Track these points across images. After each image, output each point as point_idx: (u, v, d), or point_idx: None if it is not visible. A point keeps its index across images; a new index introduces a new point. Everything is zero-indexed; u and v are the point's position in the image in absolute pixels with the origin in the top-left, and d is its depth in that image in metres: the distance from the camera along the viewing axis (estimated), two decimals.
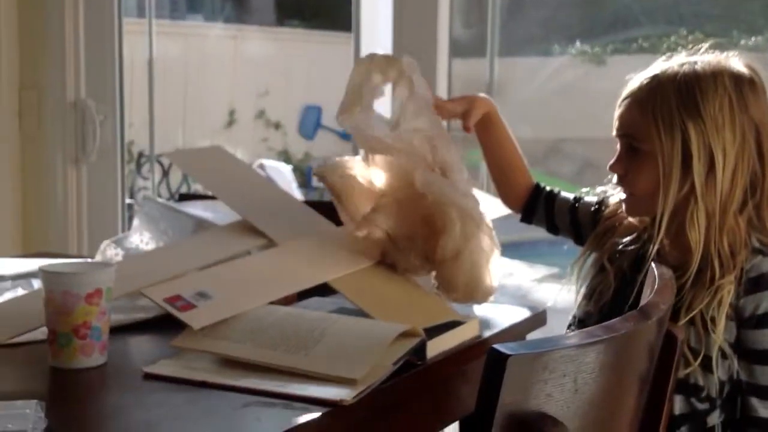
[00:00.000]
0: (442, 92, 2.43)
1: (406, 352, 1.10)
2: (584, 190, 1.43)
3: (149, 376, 1.06)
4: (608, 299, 1.27)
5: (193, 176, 1.89)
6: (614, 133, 1.28)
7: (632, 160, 1.24)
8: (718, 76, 1.20)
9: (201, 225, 1.39)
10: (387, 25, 2.46)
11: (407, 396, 1.13)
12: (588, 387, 0.75)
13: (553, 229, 1.45)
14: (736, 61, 1.23)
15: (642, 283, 1.16)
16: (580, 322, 1.32)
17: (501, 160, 1.45)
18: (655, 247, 1.21)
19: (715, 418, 1.18)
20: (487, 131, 1.43)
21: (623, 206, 1.30)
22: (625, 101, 1.25)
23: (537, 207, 1.45)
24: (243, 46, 7.40)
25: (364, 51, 2.54)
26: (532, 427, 0.70)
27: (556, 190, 1.46)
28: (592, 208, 1.39)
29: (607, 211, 1.36)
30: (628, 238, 1.30)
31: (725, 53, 1.24)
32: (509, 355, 0.68)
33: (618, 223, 1.33)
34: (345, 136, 2.93)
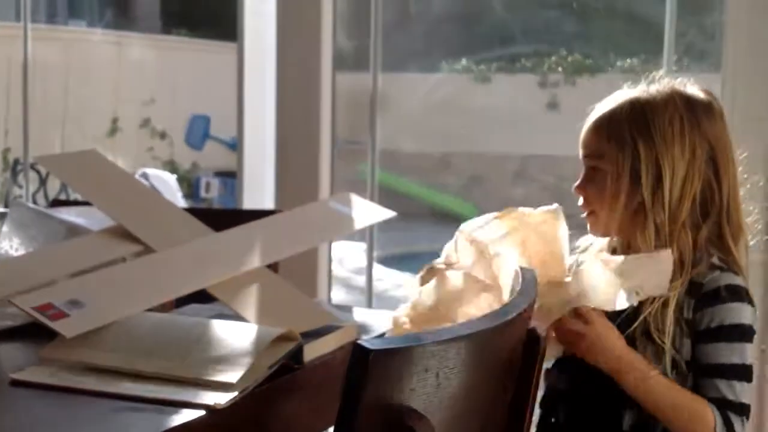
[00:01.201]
0: (326, 105, 2.46)
1: (282, 356, 1.11)
2: None
3: (17, 383, 1.04)
4: None
5: (65, 181, 1.85)
6: (580, 157, 1.33)
7: (592, 179, 1.30)
8: (669, 98, 1.27)
9: (73, 231, 1.37)
10: (271, 36, 2.47)
11: (284, 399, 1.14)
12: (450, 382, 0.78)
13: None
14: (691, 87, 1.30)
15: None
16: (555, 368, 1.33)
17: None
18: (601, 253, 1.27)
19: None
20: None
21: (588, 227, 1.33)
22: (587, 123, 1.32)
23: None
24: (127, 53, 7.24)
25: (249, 61, 2.55)
26: (396, 420, 0.73)
27: None
28: None
29: None
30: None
31: (681, 79, 1.31)
32: (372, 350, 0.70)
33: None
34: (233, 146, 2.92)
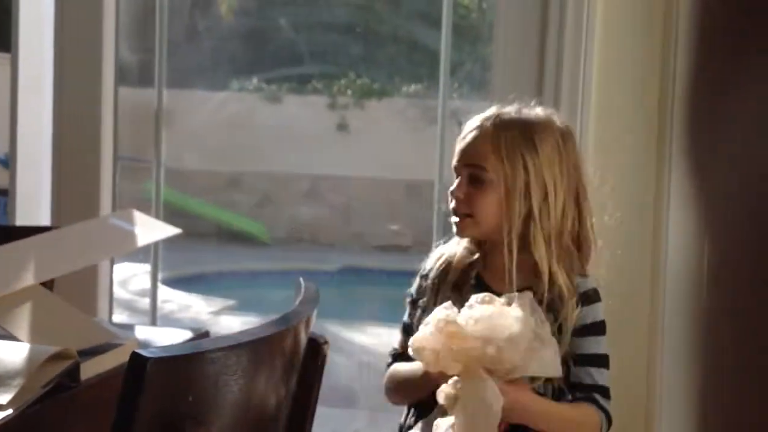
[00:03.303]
0: (108, 121, 2.39)
1: (56, 375, 1.07)
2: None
3: None
4: None
5: None
6: (456, 163, 1.44)
7: (475, 187, 1.42)
8: (548, 125, 1.45)
9: None
10: (49, 47, 2.37)
11: (60, 418, 1.10)
12: (229, 388, 0.80)
13: None
14: (558, 117, 1.49)
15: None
16: None
17: None
18: (514, 262, 1.39)
19: None
20: None
21: (456, 228, 1.44)
22: (471, 135, 1.44)
23: None
24: None
25: (24, 72, 2.42)
26: (175, 427, 0.73)
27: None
28: (411, 301, 1.50)
29: (428, 283, 1.47)
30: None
31: (551, 110, 1.51)
32: (150, 358, 0.70)
33: (443, 280, 1.46)
34: (5, 163, 2.76)
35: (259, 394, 0.88)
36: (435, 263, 1.49)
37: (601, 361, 1.43)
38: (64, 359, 1.10)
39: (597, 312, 1.43)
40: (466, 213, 1.43)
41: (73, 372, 1.11)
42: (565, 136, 1.46)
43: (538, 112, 1.48)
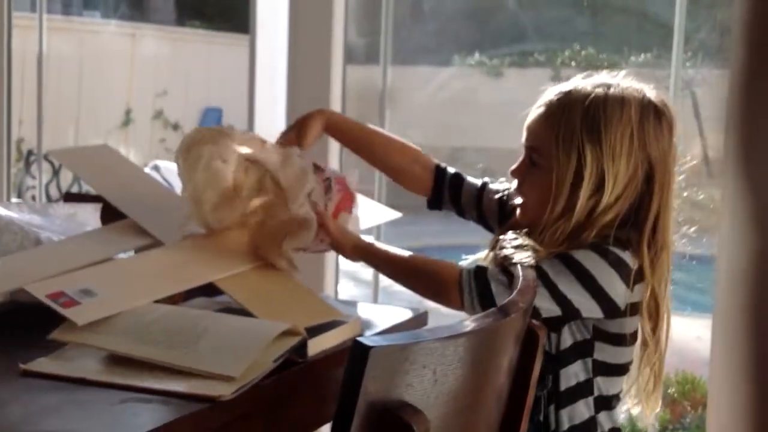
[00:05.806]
0: (336, 98, 2.48)
1: (286, 350, 1.13)
2: (487, 179, 1.47)
3: (27, 374, 1.06)
4: None
5: (78, 174, 1.87)
6: (522, 141, 1.32)
7: (530, 170, 1.29)
8: (625, 105, 1.23)
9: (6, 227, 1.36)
10: (283, 30, 2.49)
11: (288, 393, 1.16)
12: (447, 378, 0.80)
13: (461, 213, 1.48)
14: (649, 92, 1.27)
15: None
16: None
17: (379, 156, 1.45)
18: (538, 256, 1.24)
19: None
20: (343, 138, 1.45)
21: (517, 211, 1.35)
22: (536, 111, 1.29)
23: (443, 193, 1.45)
24: (141, 44, 7.27)
25: (261, 54, 2.57)
26: (393, 415, 0.75)
27: (460, 174, 1.46)
28: (498, 197, 1.42)
29: (512, 206, 1.38)
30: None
31: (642, 83, 1.28)
32: (371, 347, 0.72)
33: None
34: None
35: (476, 384, 0.88)
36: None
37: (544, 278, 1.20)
38: (293, 335, 1.16)
39: (577, 254, 1.21)
40: (522, 199, 1.31)
41: (302, 348, 1.16)
42: (646, 122, 1.23)
43: (620, 87, 1.25)
